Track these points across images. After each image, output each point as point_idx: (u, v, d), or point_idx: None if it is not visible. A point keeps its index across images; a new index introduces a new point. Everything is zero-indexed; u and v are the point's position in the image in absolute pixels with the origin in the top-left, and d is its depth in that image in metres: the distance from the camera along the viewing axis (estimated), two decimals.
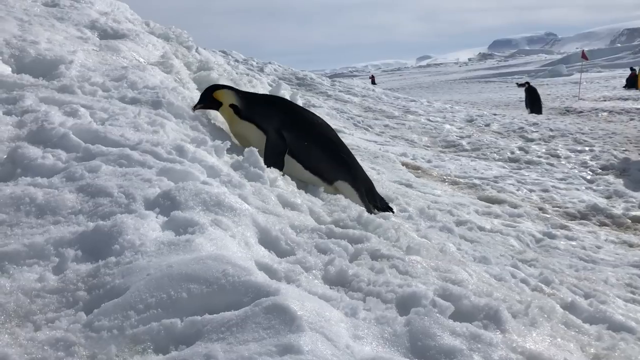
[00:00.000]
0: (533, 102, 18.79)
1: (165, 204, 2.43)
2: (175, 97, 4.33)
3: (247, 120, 4.26)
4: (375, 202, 4.35)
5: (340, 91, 16.73)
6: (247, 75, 10.47)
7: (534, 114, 17.47)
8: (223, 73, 7.03)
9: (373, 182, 5.50)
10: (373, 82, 36.90)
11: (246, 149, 3.51)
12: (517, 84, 33.46)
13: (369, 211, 4.10)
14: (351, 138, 9.30)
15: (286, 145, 4.08)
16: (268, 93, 7.02)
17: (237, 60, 19.62)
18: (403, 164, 7.79)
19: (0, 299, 1.79)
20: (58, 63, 4.39)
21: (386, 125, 12.09)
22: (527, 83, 20.94)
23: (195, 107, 4.40)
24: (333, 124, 10.77)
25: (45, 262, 2.03)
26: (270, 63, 20.74)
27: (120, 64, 5.02)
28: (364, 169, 4.58)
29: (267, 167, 3.66)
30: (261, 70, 18.47)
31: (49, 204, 2.37)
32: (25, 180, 2.59)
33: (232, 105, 4.31)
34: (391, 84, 41.12)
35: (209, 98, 4.39)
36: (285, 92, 7.42)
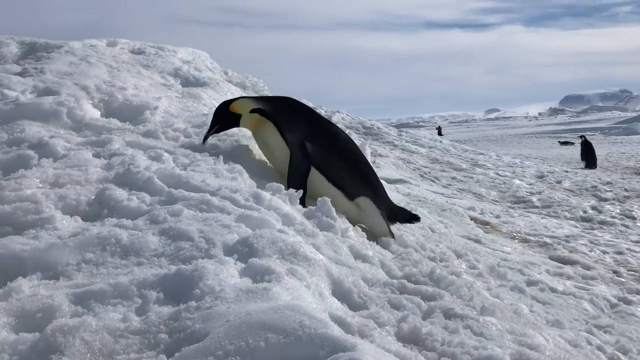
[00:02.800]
0: (588, 155, 18.61)
1: (243, 251, 2.49)
2: (252, 144, 4.46)
3: (274, 124, 4.04)
4: (396, 215, 4.23)
5: (407, 141, 16.74)
6: None
7: (588, 168, 17.39)
8: None
9: (441, 235, 5.44)
10: (440, 133, 36.73)
11: (319, 199, 3.56)
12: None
13: (390, 231, 4.03)
14: (417, 189, 9.25)
15: (310, 165, 3.94)
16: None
17: None
18: (471, 218, 7.67)
19: (87, 337, 1.86)
20: (144, 109, 4.62)
21: (453, 178, 11.98)
22: (583, 137, 20.67)
23: (207, 135, 4.14)
24: (399, 174, 10.78)
25: (128, 302, 2.10)
26: (338, 112, 21.05)
27: (201, 111, 5.23)
28: (434, 221, 4.55)
29: (289, 188, 3.65)
30: (329, 118, 18.75)
31: (133, 245, 2.47)
32: (112, 221, 2.71)
33: (255, 110, 4.08)
34: (458, 136, 40.87)
35: (225, 115, 4.12)
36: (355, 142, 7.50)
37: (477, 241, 6.07)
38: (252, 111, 4.09)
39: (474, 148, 20.06)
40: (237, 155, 4.13)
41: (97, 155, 3.48)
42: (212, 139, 4.28)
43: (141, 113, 4.56)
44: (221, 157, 3.84)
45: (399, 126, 49.94)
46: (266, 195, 3.25)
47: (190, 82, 6.02)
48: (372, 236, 3.83)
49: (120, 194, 2.95)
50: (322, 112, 19.96)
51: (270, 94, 8.12)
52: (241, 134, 4.66)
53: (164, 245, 2.51)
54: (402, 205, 6.25)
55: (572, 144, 29.81)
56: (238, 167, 3.77)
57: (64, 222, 2.68)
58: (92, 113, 4.39)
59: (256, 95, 4.57)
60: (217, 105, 4.36)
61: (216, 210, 2.91)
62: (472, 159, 15.10)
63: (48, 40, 6.27)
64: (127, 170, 3.20)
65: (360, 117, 20.95)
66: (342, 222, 3.50)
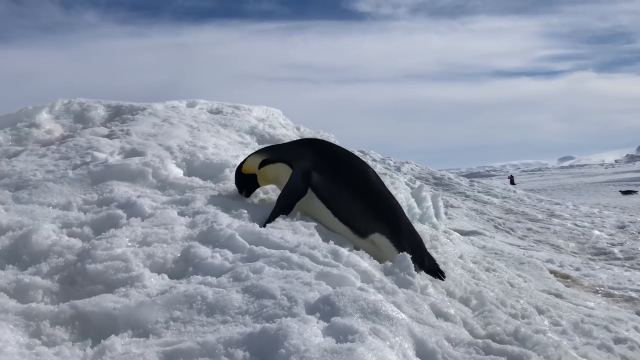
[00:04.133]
0: None
1: (325, 309, 2.49)
2: None
3: (278, 161, 4.04)
4: (423, 262, 3.90)
5: (479, 192, 16.50)
6: (386, 174, 10.69)
7: None
8: None
9: (520, 290, 5.26)
10: (512, 183, 35.94)
11: (399, 254, 3.54)
12: (621, 191, 31.33)
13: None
14: (493, 241, 9.06)
15: (305, 191, 3.82)
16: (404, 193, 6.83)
17: (374, 160, 20.06)
18: (550, 271, 7.41)
19: None
20: (223, 167, 4.78)
21: (529, 229, 11.67)
22: None
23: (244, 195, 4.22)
24: (473, 225, 10.60)
25: None
26: (407, 162, 21.02)
27: None
28: (512, 275, 4.37)
29: (276, 212, 3.68)
30: (398, 169, 18.73)
31: (218, 303, 2.52)
32: (197, 278, 2.79)
33: (262, 163, 4.11)
34: (531, 185, 39.83)
35: (243, 179, 4.20)
36: (427, 194, 7.45)
37: (558, 296, 5.86)
38: (261, 165, 4.12)
39: (549, 197, 19.53)
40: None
41: (181, 214, 3.60)
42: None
43: (221, 171, 4.72)
44: (298, 213, 3.90)
45: (470, 176, 49.06)
46: (344, 251, 3.26)
47: (265, 139, 6.18)
48: (452, 294, 3.76)
49: (204, 251, 3.03)
50: (391, 163, 19.96)
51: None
52: None
53: (248, 303, 2.55)
54: (477, 259, 6.14)
55: (635, 192, 28.74)
56: (314, 222, 3.82)
57: (152, 280, 2.78)
58: (176, 172, 4.57)
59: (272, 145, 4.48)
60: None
61: (296, 267, 2.94)
62: (547, 209, 14.69)
63: (132, 103, 6.62)
64: (210, 228, 3.30)
65: (430, 167, 20.82)
66: (420, 279, 3.46)
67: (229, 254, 3.05)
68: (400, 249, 3.74)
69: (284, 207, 3.78)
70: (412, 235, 4.00)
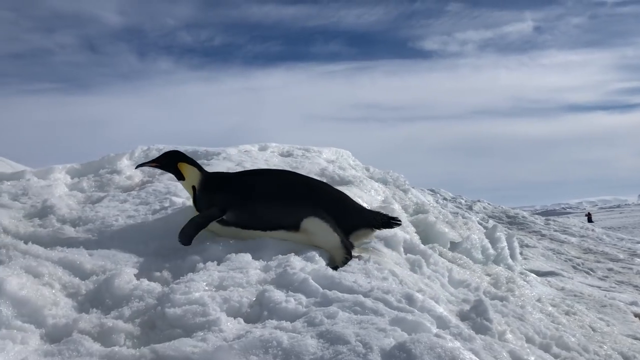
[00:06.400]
0: None
1: (401, 357, 2.45)
2: (397, 242, 4.48)
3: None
4: (372, 220, 4.03)
5: (555, 230, 15.98)
6: (457, 214, 10.53)
7: None
8: (439, 215, 7.15)
9: (603, 335, 5.02)
10: (590, 220, 34.56)
11: (475, 299, 3.48)
12: None
13: (344, 247, 3.85)
14: (571, 283, 8.73)
15: (210, 219, 3.98)
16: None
17: (445, 199, 19.81)
18: (635, 315, 7.06)
19: None
20: None
21: (610, 269, 11.17)
22: None
23: (144, 164, 4.42)
24: (550, 266, 10.25)
25: None
26: (479, 201, 20.62)
27: None
28: (594, 318, 4.20)
29: (179, 239, 3.78)
30: (470, 208, 18.41)
31: (293, 348, 2.52)
32: (272, 323, 2.80)
33: (194, 187, 4.27)
34: (610, 222, 38.12)
35: (172, 165, 4.34)
36: (501, 234, 7.28)
37: None
38: (193, 187, 4.28)
39: (630, 236, 18.69)
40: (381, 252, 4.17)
41: (255, 258, 3.66)
42: None
43: None
44: (371, 256, 3.89)
45: (545, 213, 47.56)
46: (418, 296, 3.22)
47: (335, 181, 6.22)
48: (531, 340, 3.64)
49: (278, 295, 3.05)
50: (462, 202, 19.63)
51: (410, 189, 8.16)
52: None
53: (322, 348, 2.53)
54: (556, 301, 5.93)
55: None
56: (387, 266, 3.80)
57: (229, 324, 2.81)
58: None
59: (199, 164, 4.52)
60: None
61: (370, 312, 2.92)
62: (629, 248, 14.05)
63: (208, 148, 6.83)
64: (284, 272, 3.33)
65: (502, 205, 20.37)
66: (498, 324, 3.37)
67: (303, 298, 3.06)
68: (329, 223, 3.89)
69: (189, 235, 3.92)
70: (344, 205, 4.10)
